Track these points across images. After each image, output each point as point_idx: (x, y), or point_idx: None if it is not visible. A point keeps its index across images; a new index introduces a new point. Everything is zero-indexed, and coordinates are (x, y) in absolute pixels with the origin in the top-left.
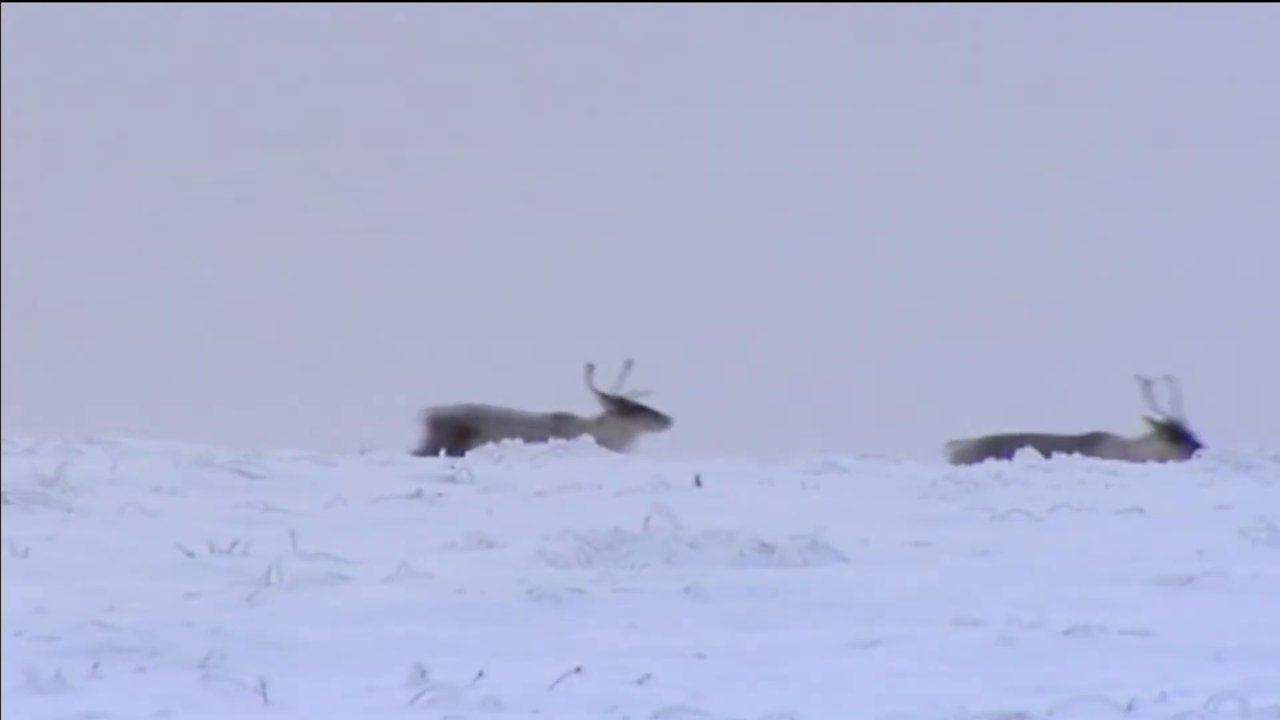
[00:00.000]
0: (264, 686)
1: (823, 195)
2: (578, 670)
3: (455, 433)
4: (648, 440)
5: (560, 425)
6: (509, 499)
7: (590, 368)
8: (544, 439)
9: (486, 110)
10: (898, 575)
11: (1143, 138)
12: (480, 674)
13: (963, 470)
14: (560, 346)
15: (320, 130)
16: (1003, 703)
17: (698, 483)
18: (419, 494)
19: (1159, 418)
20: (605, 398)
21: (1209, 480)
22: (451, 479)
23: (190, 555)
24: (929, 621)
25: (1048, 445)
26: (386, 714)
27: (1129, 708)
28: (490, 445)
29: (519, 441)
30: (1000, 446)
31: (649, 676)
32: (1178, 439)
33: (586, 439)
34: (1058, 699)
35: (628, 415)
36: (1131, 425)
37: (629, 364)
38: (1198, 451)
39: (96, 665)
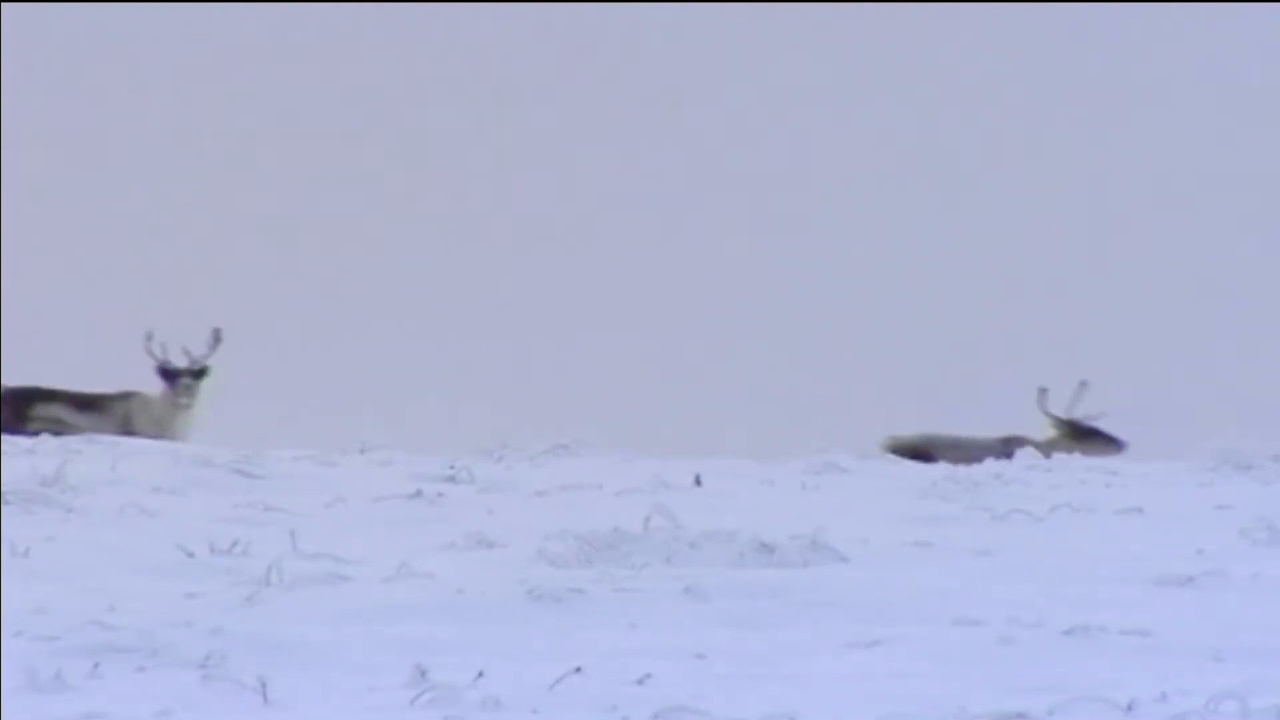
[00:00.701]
0: (264, 686)
1: (822, 195)
2: (578, 670)
3: (912, 459)
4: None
5: (1011, 448)
6: (509, 499)
7: (1043, 391)
8: None
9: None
10: (898, 575)
11: (1140, 138)
12: (480, 674)
13: (962, 470)
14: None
15: (318, 130)
16: (1003, 703)
17: (698, 483)
18: (419, 494)
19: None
20: (1059, 421)
21: (1209, 480)
22: (452, 479)
23: (190, 555)
24: (929, 621)
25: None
26: (386, 714)
27: (1129, 708)
28: None
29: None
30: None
31: (649, 676)
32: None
33: None
34: (1058, 699)
35: (1081, 439)
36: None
37: (1083, 385)
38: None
39: (96, 665)
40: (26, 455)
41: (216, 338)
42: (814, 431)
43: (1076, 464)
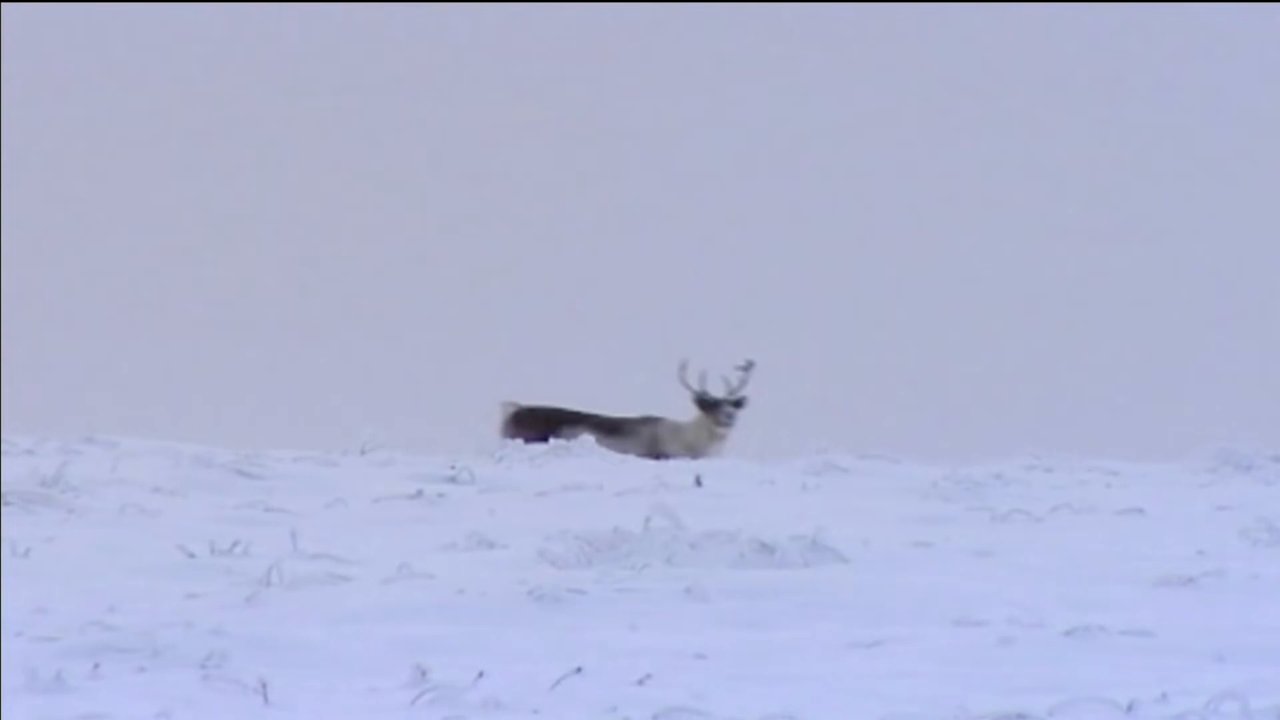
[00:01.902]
0: (264, 687)
1: (825, 195)
2: (578, 670)
3: None
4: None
5: None
6: (510, 499)
7: None
8: None
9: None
10: (898, 575)
11: (1140, 139)
12: (480, 674)
13: (963, 470)
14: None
15: (315, 131)
16: (1003, 703)
17: (698, 483)
18: (419, 494)
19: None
20: None
21: (1209, 481)
22: (452, 479)
23: (191, 556)
24: (929, 621)
25: None
26: (386, 714)
27: (1129, 708)
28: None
29: None
30: None
31: (649, 677)
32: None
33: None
34: (1058, 699)
35: None
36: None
37: None
38: None
39: (97, 666)
40: (26, 455)
41: (748, 368)
42: (814, 431)
43: (1076, 464)
